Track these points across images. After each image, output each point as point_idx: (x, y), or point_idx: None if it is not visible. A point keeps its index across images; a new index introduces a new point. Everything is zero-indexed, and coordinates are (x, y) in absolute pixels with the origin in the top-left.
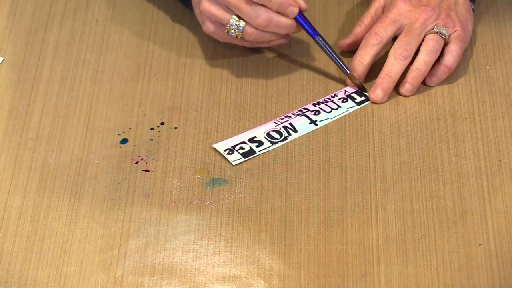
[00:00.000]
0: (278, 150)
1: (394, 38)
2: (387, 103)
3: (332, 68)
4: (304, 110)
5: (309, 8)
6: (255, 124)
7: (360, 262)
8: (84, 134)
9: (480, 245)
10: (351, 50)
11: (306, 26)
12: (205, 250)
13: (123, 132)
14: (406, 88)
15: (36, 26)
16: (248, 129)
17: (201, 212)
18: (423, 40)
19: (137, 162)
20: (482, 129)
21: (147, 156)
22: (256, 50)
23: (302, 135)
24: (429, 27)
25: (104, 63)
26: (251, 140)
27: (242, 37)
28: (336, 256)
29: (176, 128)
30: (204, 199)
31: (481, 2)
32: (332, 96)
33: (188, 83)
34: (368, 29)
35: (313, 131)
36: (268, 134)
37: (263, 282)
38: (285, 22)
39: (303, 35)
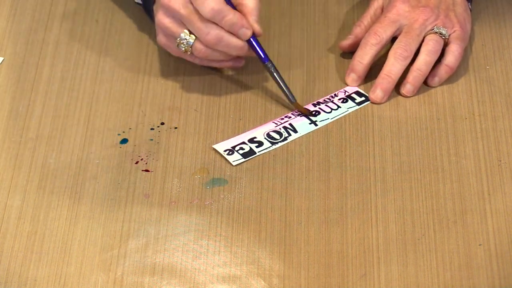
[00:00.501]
0: (278, 150)
1: (393, 39)
2: (387, 103)
3: (332, 69)
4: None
5: (309, 8)
6: (255, 124)
7: (360, 262)
8: (84, 134)
9: (480, 245)
10: (352, 51)
11: (257, 50)
12: (205, 250)
13: (123, 132)
14: (407, 88)
15: (36, 26)
16: (248, 129)
17: (201, 212)
18: (422, 41)
19: (137, 162)
20: (482, 129)
21: (147, 156)
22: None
23: (302, 136)
24: (429, 28)
25: (104, 63)
26: (251, 140)
27: (191, 53)
28: (336, 256)
29: (176, 128)
30: (204, 199)
31: (480, 1)
32: (332, 97)
33: (188, 83)
34: (368, 30)
35: (313, 131)
36: (268, 135)
37: (263, 282)
38: (236, 43)
39: (303, 37)
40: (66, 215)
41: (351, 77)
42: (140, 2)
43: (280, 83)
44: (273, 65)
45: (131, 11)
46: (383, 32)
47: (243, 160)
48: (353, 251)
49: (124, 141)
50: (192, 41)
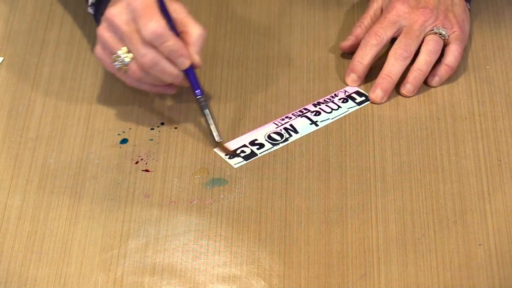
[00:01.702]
0: (278, 150)
1: (393, 40)
2: (387, 103)
3: (332, 69)
4: (304, 111)
5: (309, 8)
6: (255, 125)
7: (360, 262)
8: (84, 134)
9: (480, 245)
10: (352, 52)
11: (192, 82)
12: (205, 250)
13: (123, 132)
14: (407, 88)
15: (36, 26)
16: (248, 130)
17: (201, 212)
18: (422, 41)
19: (137, 162)
20: (482, 129)
21: (147, 156)
22: (255, 46)
23: (303, 136)
24: (428, 29)
25: None
26: (252, 143)
27: (125, 72)
28: (336, 256)
29: (176, 128)
30: (204, 199)
31: (481, 2)
32: (332, 97)
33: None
34: (368, 30)
35: (313, 131)
36: (269, 136)
37: (263, 282)
38: (172, 71)
39: (303, 37)
40: (66, 215)
41: (351, 77)
42: (92, 12)
43: (209, 119)
44: (204, 100)
45: None
46: (383, 33)
47: (244, 162)
48: (353, 251)
49: (124, 141)
50: (128, 60)
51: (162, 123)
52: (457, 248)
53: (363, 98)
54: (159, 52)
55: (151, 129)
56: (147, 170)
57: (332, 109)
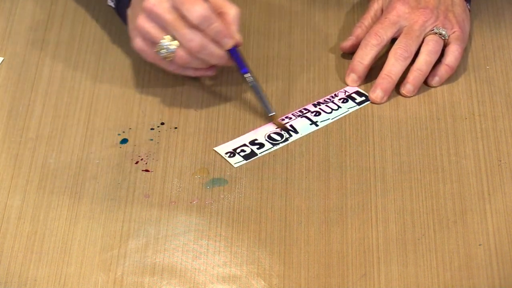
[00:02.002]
0: (278, 150)
1: (393, 41)
2: (387, 103)
3: (332, 69)
4: (304, 111)
5: (309, 8)
6: (255, 125)
7: (360, 262)
8: (84, 134)
9: (480, 245)
10: (353, 52)
11: (237, 61)
12: (205, 250)
13: (123, 132)
14: (407, 88)
15: (36, 26)
16: (248, 130)
17: (201, 212)
18: (422, 42)
19: (137, 162)
20: (482, 129)
21: (147, 156)
22: (255, 46)
23: (303, 136)
24: (428, 29)
25: (104, 63)
26: (252, 142)
27: (171, 59)
28: (336, 256)
29: (176, 128)
30: (204, 199)
31: (481, 2)
32: (332, 97)
33: (188, 83)
34: (368, 31)
35: (313, 131)
36: (269, 136)
37: (263, 282)
38: (218, 52)
39: (303, 37)
40: (66, 215)
41: (351, 77)
42: (113, 5)
43: (260, 95)
44: (252, 76)
45: None
46: (383, 33)
47: (244, 162)
48: (353, 251)
49: (124, 141)
50: (173, 47)
51: (162, 123)
52: (457, 248)
53: (363, 98)
54: (204, 35)
55: (151, 129)
56: (147, 170)
57: (332, 109)
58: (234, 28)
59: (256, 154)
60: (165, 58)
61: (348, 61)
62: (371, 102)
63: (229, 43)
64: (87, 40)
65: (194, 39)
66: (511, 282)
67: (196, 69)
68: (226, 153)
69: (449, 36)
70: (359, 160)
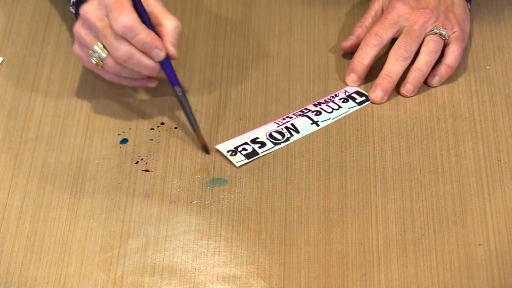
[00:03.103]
0: (278, 150)
1: (393, 40)
2: (387, 103)
3: (332, 69)
4: (305, 111)
5: (309, 8)
6: (255, 125)
7: (360, 262)
8: (84, 134)
9: (480, 245)
10: (353, 51)
11: (168, 73)
12: (205, 250)
13: (123, 132)
14: (407, 88)
15: (36, 26)
16: (249, 129)
17: (201, 212)
18: (423, 42)
19: (137, 162)
20: (482, 129)
21: (147, 156)
22: (255, 46)
23: (303, 136)
24: (428, 29)
25: None
26: (254, 141)
27: (102, 67)
28: (336, 256)
29: (176, 128)
30: (204, 199)
31: (481, 2)
32: (333, 97)
33: (188, 83)
34: (369, 31)
35: (314, 131)
36: (271, 135)
37: (263, 282)
38: (147, 63)
39: (303, 37)
40: (66, 215)
41: (351, 77)
42: (73, 11)
43: (186, 109)
44: (182, 90)
45: None
46: (383, 33)
47: (247, 161)
48: (353, 251)
49: (124, 141)
50: (104, 55)
51: (162, 123)
52: (457, 248)
53: (363, 98)
54: (132, 45)
55: (151, 129)
56: (147, 170)
57: (333, 109)
58: (169, 40)
59: (258, 154)
60: (96, 65)
61: (348, 61)
62: (371, 102)
63: (160, 55)
64: None
65: (120, 48)
66: (511, 282)
67: (132, 79)
68: (228, 151)
69: (449, 36)
70: (359, 160)
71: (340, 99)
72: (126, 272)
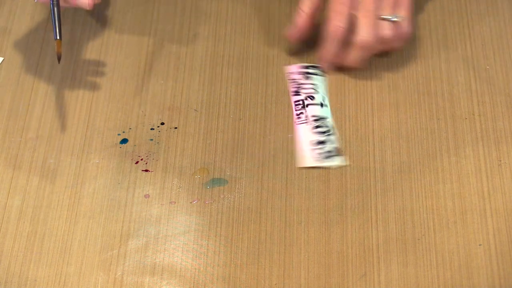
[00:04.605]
0: (278, 150)
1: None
2: (387, 102)
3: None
4: (299, 107)
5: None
6: (255, 124)
7: (360, 262)
8: (84, 134)
9: (480, 245)
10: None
11: None
12: (205, 250)
13: (123, 132)
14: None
15: (36, 26)
16: (249, 129)
17: (201, 212)
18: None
19: (137, 162)
20: (482, 129)
21: (147, 156)
22: (255, 46)
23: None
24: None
25: (104, 63)
26: (315, 143)
27: None
28: (336, 256)
29: (176, 128)
30: (204, 199)
31: (481, 2)
32: (297, 87)
33: (188, 83)
34: (310, 18)
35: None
36: (314, 132)
37: (263, 282)
38: None
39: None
40: (66, 215)
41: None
42: None
43: (54, 17)
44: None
45: (131, 11)
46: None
47: (341, 157)
48: (353, 251)
49: (124, 141)
50: None
51: (162, 123)
52: (457, 248)
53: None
54: None
55: (151, 129)
56: (147, 170)
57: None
58: None
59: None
60: None
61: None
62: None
63: None
64: (87, 40)
65: None
66: (511, 282)
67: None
68: (317, 161)
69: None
70: (359, 160)
71: (300, 78)
72: (126, 272)
